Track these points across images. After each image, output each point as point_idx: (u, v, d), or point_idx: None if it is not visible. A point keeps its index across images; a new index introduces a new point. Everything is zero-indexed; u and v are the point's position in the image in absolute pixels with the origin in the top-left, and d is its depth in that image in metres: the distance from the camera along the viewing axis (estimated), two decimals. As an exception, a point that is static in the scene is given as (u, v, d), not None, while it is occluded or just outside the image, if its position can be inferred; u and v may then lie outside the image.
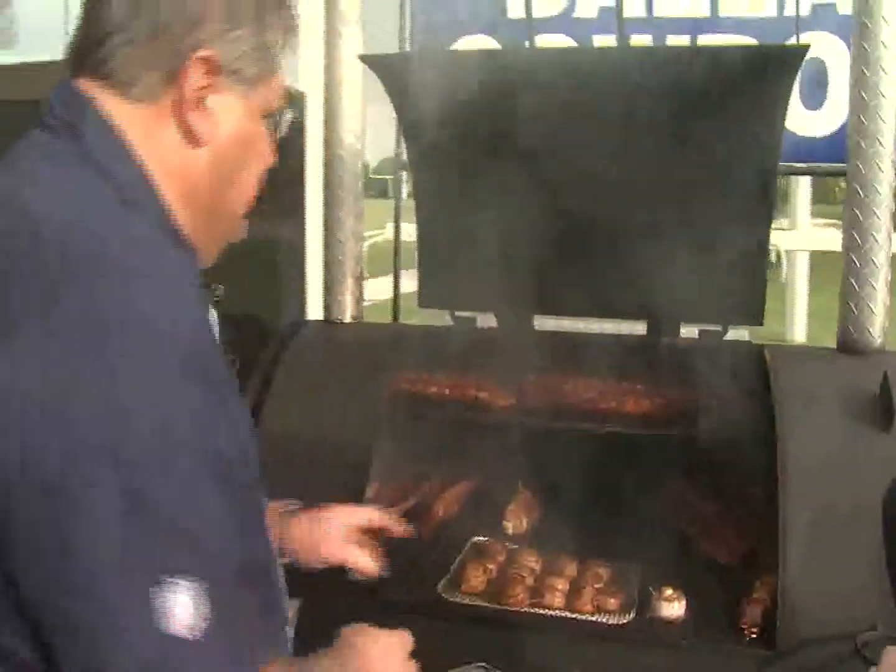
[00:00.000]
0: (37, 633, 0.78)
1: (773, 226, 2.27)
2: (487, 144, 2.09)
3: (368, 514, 1.60)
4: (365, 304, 2.62)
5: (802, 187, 9.86)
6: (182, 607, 0.76)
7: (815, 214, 11.21)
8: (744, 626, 1.78)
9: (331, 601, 1.59)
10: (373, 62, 2.14)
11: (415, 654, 1.67)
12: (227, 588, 0.82)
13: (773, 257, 11.99)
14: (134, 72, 0.96)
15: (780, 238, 10.17)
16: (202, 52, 0.96)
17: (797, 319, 10.26)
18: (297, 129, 2.57)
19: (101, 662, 0.76)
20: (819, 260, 10.05)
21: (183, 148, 0.99)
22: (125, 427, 0.78)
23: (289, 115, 1.14)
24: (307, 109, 2.54)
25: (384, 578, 1.80)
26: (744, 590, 1.88)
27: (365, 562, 1.54)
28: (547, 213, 2.21)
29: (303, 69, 2.44)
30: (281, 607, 1.09)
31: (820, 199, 13.55)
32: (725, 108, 2.06)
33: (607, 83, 1.97)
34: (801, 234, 10.32)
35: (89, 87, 0.97)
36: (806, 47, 2.06)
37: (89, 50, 0.97)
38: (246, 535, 0.88)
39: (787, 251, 11.29)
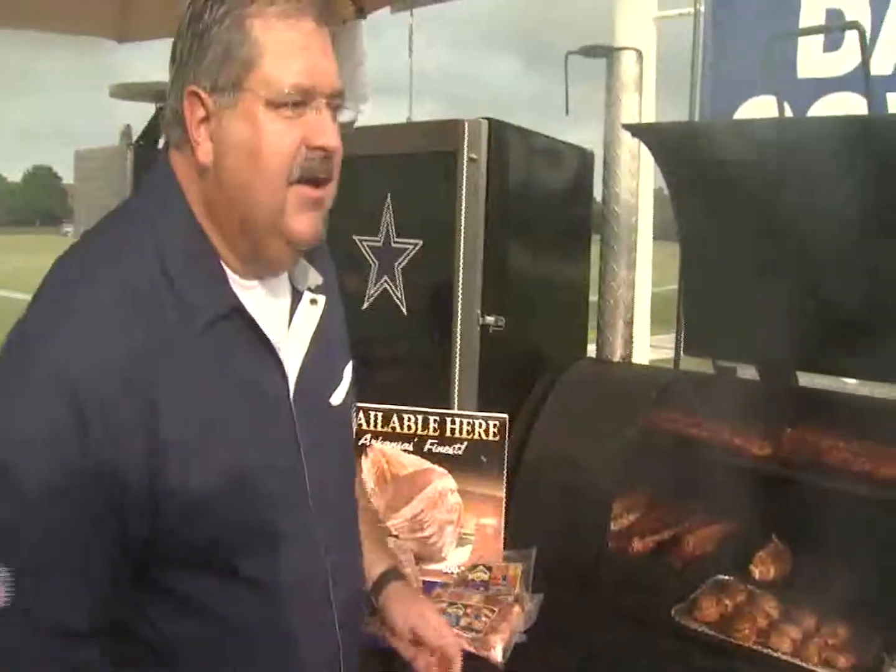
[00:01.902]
0: None
1: None
2: (751, 204, 2.21)
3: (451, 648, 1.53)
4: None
5: None
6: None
7: None
8: None
9: (570, 602, 1.79)
10: (635, 130, 2.35)
11: (637, 665, 1.86)
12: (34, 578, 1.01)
13: None
14: (169, 128, 1.16)
15: None
16: (188, 89, 1.10)
17: None
18: (586, 182, 2.83)
19: None
20: None
21: (202, 176, 1.12)
22: None
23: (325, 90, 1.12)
24: (594, 167, 2.80)
25: (624, 592, 1.98)
26: None
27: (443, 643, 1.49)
28: (815, 271, 2.29)
29: (591, 131, 2.71)
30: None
31: None
32: None
33: (862, 151, 2.00)
34: None
35: None
36: None
37: None
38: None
39: None
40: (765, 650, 1.96)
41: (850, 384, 2.89)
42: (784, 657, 1.93)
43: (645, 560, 2.44)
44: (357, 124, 2.86)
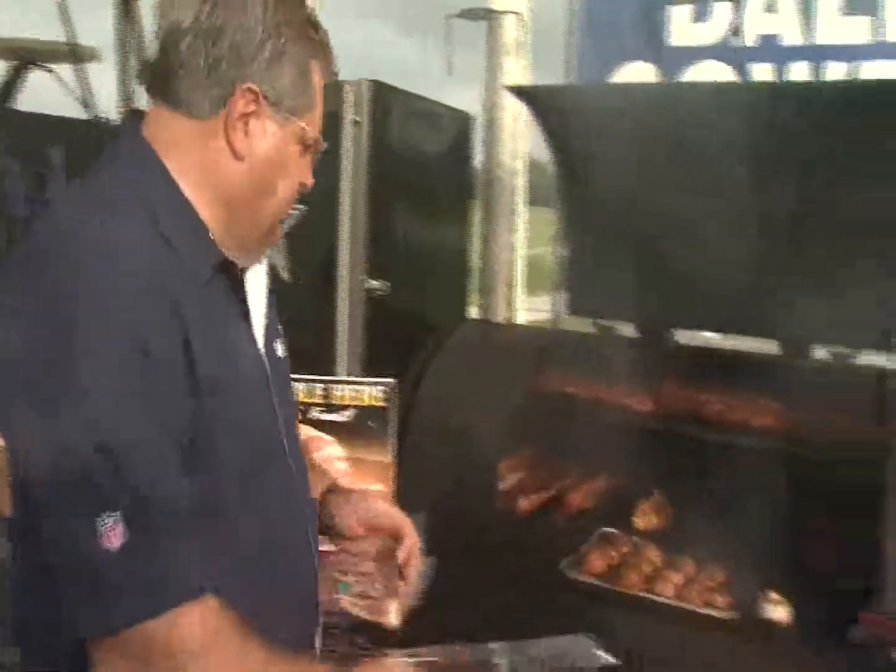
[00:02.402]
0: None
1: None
2: (630, 165, 2.27)
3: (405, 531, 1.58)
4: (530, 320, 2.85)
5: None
6: (113, 531, 1.03)
7: None
8: (847, 635, 1.90)
9: (460, 564, 1.81)
10: (519, 92, 2.37)
11: (529, 622, 1.91)
12: (151, 521, 1.05)
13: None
14: (193, 96, 1.19)
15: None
16: (248, 85, 1.18)
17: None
18: (468, 145, 2.83)
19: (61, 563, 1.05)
20: None
21: (225, 159, 1.21)
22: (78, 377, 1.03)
23: (322, 146, 1.31)
24: (474, 131, 2.80)
25: (513, 551, 2.03)
26: (851, 603, 1.99)
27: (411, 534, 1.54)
28: (688, 234, 2.37)
29: (469, 94, 2.72)
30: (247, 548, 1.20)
31: None
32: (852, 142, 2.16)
33: (735, 117, 2.09)
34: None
35: (155, 108, 1.22)
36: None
37: (163, 78, 1.21)
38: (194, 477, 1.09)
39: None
40: (650, 596, 2.03)
41: (715, 339, 3.00)
42: (668, 601, 2.02)
43: (531, 518, 2.49)
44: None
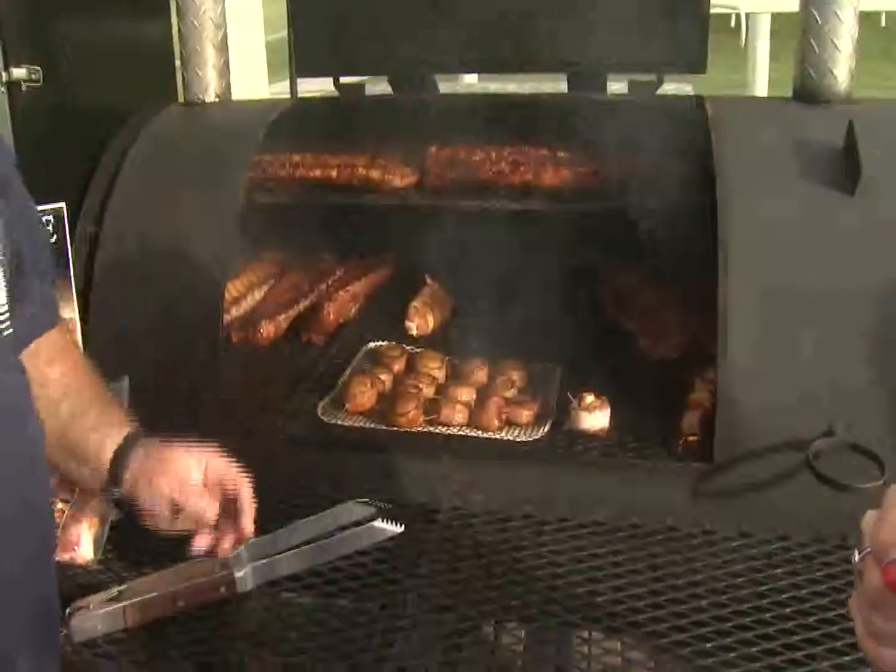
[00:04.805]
0: None
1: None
2: None
3: (209, 462, 1.23)
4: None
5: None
6: None
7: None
8: (679, 436, 1.51)
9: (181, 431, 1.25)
10: None
11: (295, 489, 1.41)
12: None
13: (732, 21, 11.41)
14: None
15: (739, 1, 9.50)
16: None
17: (758, 87, 9.71)
18: None
19: None
20: (783, 26, 9.33)
21: None
22: None
23: None
24: None
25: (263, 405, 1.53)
26: (682, 393, 1.60)
27: (201, 508, 1.20)
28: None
29: None
30: None
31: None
32: None
33: None
34: (760, -4, 9.61)
35: None
36: None
37: None
38: None
39: (747, 14, 10.55)
40: (436, 430, 1.56)
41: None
42: (460, 432, 1.56)
43: (279, 346, 1.95)
44: None
